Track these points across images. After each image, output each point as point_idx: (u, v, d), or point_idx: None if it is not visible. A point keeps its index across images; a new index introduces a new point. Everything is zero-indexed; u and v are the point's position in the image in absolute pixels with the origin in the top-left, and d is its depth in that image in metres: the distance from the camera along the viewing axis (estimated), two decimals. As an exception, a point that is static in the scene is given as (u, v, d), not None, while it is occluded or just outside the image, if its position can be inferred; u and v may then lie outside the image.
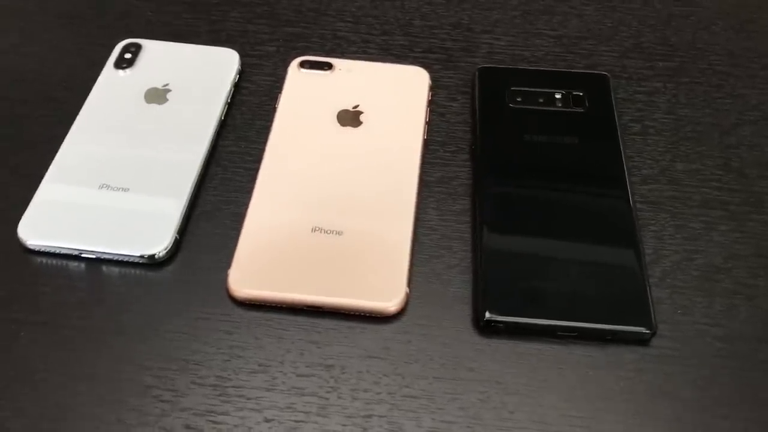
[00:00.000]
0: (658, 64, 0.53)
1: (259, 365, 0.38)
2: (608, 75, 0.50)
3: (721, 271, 0.42)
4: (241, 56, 0.52)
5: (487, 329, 0.40)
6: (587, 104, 0.48)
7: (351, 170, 0.45)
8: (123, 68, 0.50)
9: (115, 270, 0.42)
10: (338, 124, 0.47)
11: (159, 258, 0.41)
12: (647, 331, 0.39)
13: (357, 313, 0.40)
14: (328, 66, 0.50)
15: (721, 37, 0.54)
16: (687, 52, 0.53)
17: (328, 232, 0.42)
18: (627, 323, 0.39)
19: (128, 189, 0.44)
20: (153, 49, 0.51)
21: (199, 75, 0.50)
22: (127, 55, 0.50)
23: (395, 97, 0.49)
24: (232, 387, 0.38)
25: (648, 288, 0.40)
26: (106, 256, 0.42)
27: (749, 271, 0.42)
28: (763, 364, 0.39)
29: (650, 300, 0.40)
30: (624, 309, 0.39)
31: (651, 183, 0.46)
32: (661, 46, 0.54)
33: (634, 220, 0.43)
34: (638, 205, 0.45)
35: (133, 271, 0.42)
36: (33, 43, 0.53)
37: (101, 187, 0.44)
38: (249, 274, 0.40)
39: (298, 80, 0.50)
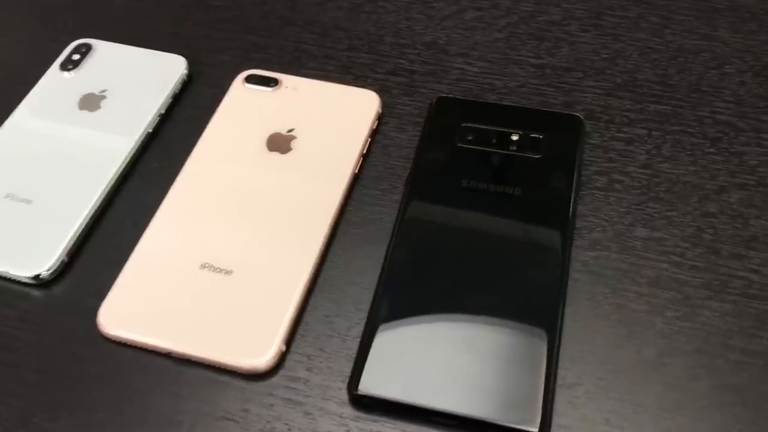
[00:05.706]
0: (648, 106, 0.46)
1: (105, 412, 0.36)
2: (581, 117, 0.44)
3: (651, 366, 0.36)
4: (195, 64, 0.49)
5: (358, 403, 0.35)
6: (546, 149, 0.42)
7: (263, 202, 0.41)
8: (68, 70, 0.48)
9: (-1, 286, 0.40)
10: (266, 149, 0.44)
11: (43, 279, 0.40)
12: (534, 431, 0.33)
13: (223, 368, 0.36)
14: (275, 82, 0.47)
15: (732, 80, 0.47)
16: (687, 95, 0.46)
17: (217, 270, 0.39)
18: (512, 419, 0.34)
19: (31, 201, 0.42)
20: (103, 51, 0.49)
21: (140, 82, 0.47)
22: (75, 56, 0.49)
23: (336, 123, 0.45)
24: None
25: (550, 378, 0.35)
26: (-9, 272, 0.40)
27: (686, 370, 0.36)
28: (677, 486, 0.33)
29: (548, 393, 0.34)
30: (514, 402, 0.34)
31: (598, 249, 0.40)
32: (658, 85, 0.47)
33: (559, 293, 0.37)
34: (576, 275, 0.39)
35: (17, 289, 0.40)
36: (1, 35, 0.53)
37: (6, 196, 0.42)
38: (119, 312, 0.38)
39: (239, 96, 0.46)
